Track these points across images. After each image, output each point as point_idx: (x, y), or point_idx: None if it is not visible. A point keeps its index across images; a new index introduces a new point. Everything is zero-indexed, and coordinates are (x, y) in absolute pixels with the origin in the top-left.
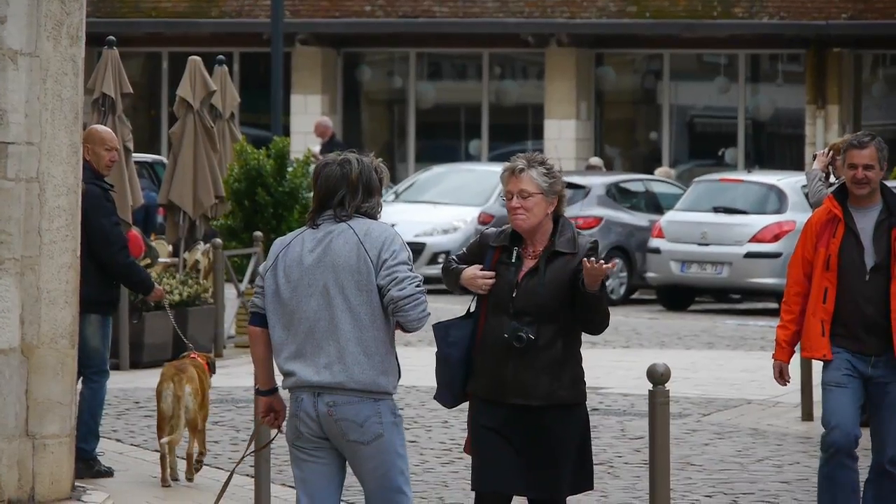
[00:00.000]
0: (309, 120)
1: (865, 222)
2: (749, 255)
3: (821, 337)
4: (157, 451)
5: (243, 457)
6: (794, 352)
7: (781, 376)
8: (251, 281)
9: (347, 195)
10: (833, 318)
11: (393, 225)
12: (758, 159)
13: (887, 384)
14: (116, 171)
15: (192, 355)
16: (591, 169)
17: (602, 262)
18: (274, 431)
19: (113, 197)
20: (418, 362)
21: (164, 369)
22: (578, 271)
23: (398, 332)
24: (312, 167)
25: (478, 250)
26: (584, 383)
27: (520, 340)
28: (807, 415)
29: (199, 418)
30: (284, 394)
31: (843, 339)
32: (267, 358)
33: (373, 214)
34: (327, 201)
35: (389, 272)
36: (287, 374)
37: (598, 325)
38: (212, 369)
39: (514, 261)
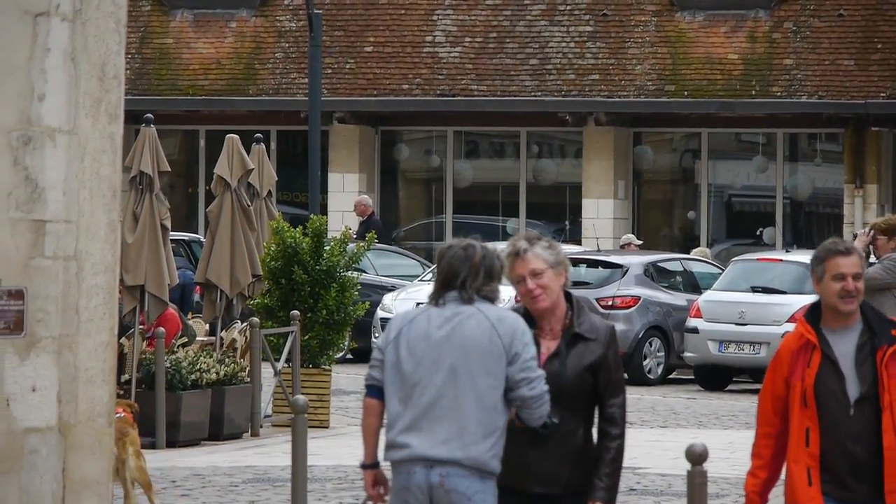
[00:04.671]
0: (346, 198)
1: (844, 346)
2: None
3: (808, 487)
4: None
5: None
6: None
7: None
8: (287, 360)
9: (469, 277)
10: (818, 464)
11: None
12: (796, 239)
13: None
14: (153, 249)
15: (117, 410)
16: (625, 247)
17: None
18: None
19: None
20: None
21: None
22: (601, 359)
23: None
24: (350, 246)
25: None
26: None
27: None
28: None
29: (146, 475)
30: (385, 466)
31: (829, 488)
32: (378, 430)
33: (492, 298)
34: (450, 282)
35: (523, 368)
36: (400, 447)
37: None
38: (135, 417)
39: None
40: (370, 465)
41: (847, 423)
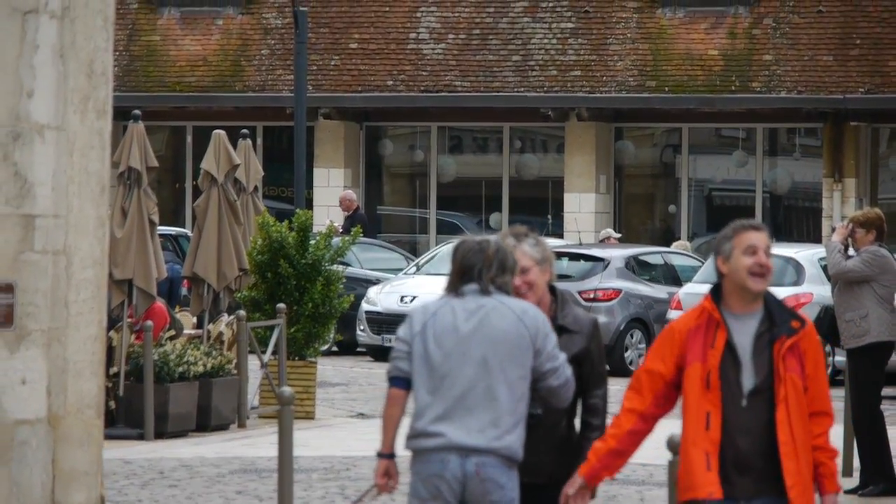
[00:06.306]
0: (331, 193)
1: (743, 334)
2: None
3: (706, 471)
4: None
5: None
6: (600, 476)
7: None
8: (274, 352)
9: (483, 269)
10: (718, 449)
11: (413, 298)
12: (775, 232)
13: None
14: (141, 244)
15: None
16: (604, 241)
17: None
18: (374, 491)
19: None
20: None
21: None
22: (585, 351)
23: None
24: (335, 240)
25: None
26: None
27: (529, 417)
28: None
29: None
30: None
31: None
32: (400, 421)
33: (507, 290)
34: (465, 274)
35: (549, 359)
36: (433, 435)
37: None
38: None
39: None
40: (387, 454)
41: (737, 415)
